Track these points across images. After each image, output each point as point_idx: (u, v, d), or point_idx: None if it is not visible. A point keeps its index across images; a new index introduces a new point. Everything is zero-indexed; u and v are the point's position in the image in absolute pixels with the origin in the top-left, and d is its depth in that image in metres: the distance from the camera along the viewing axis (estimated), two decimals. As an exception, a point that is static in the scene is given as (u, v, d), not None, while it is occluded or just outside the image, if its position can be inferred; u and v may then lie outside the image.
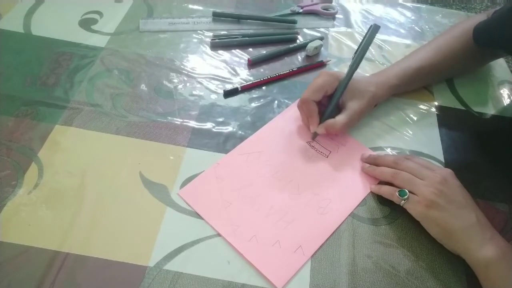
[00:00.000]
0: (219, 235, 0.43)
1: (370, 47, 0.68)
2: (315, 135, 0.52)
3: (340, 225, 0.46)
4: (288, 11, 0.72)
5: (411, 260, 0.44)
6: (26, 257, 0.40)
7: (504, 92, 0.64)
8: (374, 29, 0.51)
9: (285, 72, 0.61)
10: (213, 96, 0.57)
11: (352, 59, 0.52)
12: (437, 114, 0.59)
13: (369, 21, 0.74)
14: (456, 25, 0.62)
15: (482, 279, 0.40)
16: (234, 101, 0.57)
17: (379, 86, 0.54)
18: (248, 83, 0.59)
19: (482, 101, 0.62)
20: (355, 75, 0.52)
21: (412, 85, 0.59)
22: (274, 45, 0.66)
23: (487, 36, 0.55)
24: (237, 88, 0.58)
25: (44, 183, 0.45)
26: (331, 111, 0.51)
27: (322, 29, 0.71)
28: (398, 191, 0.45)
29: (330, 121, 0.50)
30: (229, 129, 0.53)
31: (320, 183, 0.49)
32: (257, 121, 0.55)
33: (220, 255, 0.42)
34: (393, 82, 0.56)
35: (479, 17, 0.59)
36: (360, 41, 0.53)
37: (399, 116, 0.58)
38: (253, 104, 0.57)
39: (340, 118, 0.50)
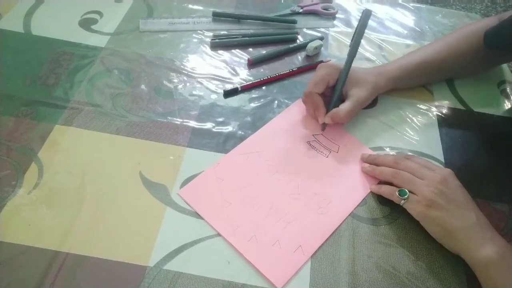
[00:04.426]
0: (219, 235, 0.43)
1: (370, 48, 0.69)
2: (324, 126, 0.53)
3: (340, 225, 0.46)
4: (288, 11, 0.72)
5: (411, 260, 0.44)
6: (26, 257, 0.40)
7: (504, 92, 0.64)
8: (366, 14, 0.52)
9: (285, 72, 0.61)
10: (213, 96, 0.57)
11: (349, 46, 0.53)
12: (437, 114, 0.59)
13: (369, 21, 0.73)
14: (466, 25, 0.62)
15: (481, 279, 0.40)
16: (234, 101, 0.57)
17: (379, 77, 0.55)
18: (248, 83, 0.59)
19: (482, 101, 0.62)
20: (355, 66, 0.53)
21: (413, 79, 0.59)
22: (274, 45, 0.66)
23: (500, 40, 0.55)
24: (237, 88, 0.58)
25: (44, 183, 0.45)
26: (336, 101, 0.52)
27: (322, 29, 0.71)
28: (398, 190, 0.45)
29: (334, 110, 0.51)
30: (229, 129, 0.53)
31: (320, 183, 0.49)
32: (257, 121, 0.55)
33: (220, 255, 0.42)
34: (394, 74, 0.56)
35: (490, 21, 0.59)
36: (354, 28, 0.53)
37: (399, 116, 0.58)
38: (253, 104, 0.57)
39: (344, 107, 0.51)
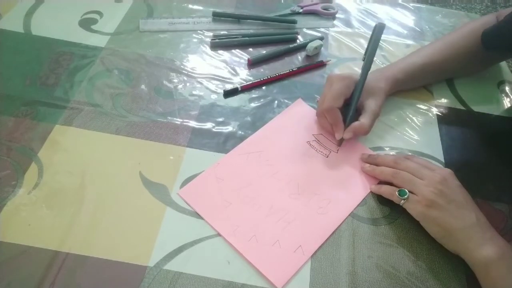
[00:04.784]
0: (219, 235, 0.43)
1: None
2: (341, 141, 0.52)
3: (340, 225, 0.46)
4: (288, 11, 0.72)
5: (411, 260, 0.44)
6: (26, 257, 0.40)
7: (504, 92, 0.64)
8: (379, 28, 0.52)
9: (285, 72, 0.61)
10: (213, 96, 0.57)
11: (363, 60, 0.52)
12: (437, 114, 0.59)
13: (369, 21, 0.74)
14: (465, 24, 0.62)
15: (481, 279, 0.40)
16: (234, 101, 0.57)
17: (387, 81, 0.55)
18: (248, 83, 0.59)
19: (482, 101, 0.62)
20: None
21: (416, 81, 0.60)
22: (274, 45, 0.66)
23: (498, 40, 0.55)
24: (237, 88, 0.58)
25: (44, 183, 0.45)
26: (353, 114, 0.51)
27: (322, 29, 0.71)
28: (398, 191, 0.45)
29: (356, 124, 0.50)
30: (229, 129, 0.53)
31: (320, 183, 0.49)
32: (257, 121, 0.55)
33: (220, 255, 0.42)
34: (398, 77, 0.56)
35: (488, 18, 0.59)
36: (368, 41, 0.53)
37: (399, 116, 0.58)
38: (253, 104, 0.57)
39: (366, 119, 0.51)
